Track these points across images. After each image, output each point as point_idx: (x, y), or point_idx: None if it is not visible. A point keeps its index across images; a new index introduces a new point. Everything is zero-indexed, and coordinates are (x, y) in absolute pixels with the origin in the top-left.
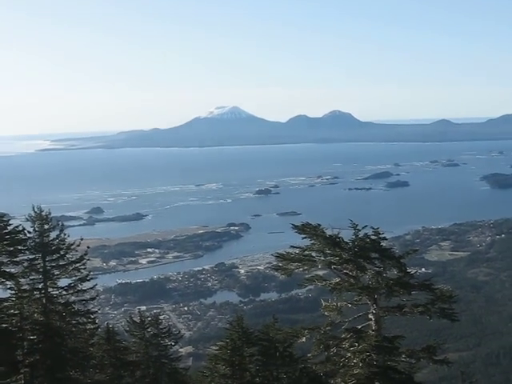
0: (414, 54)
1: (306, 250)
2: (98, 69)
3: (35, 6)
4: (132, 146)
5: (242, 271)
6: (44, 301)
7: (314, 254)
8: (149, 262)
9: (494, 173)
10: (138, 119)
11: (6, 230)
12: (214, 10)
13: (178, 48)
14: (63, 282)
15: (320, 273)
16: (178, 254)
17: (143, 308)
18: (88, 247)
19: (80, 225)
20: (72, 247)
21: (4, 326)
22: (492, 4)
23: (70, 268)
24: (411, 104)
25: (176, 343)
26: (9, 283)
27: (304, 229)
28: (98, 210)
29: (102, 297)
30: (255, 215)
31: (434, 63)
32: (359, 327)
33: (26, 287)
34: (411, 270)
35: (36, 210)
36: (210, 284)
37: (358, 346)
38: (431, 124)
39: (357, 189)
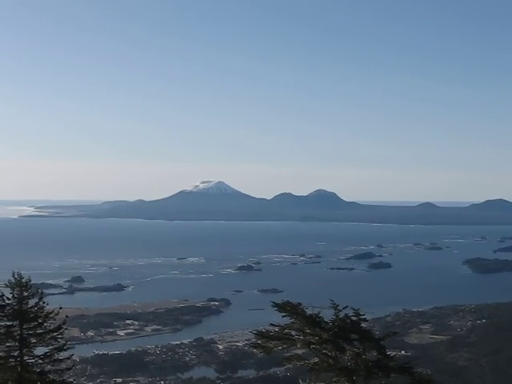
0: (396, 138)
1: (285, 328)
2: (84, 139)
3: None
4: (116, 217)
5: (221, 347)
6: (19, 369)
7: (293, 332)
8: (127, 334)
9: (477, 257)
10: (123, 190)
11: None
12: (201, 92)
13: (165, 124)
14: (39, 350)
15: (299, 352)
16: (157, 327)
17: (119, 380)
18: (67, 316)
19: (60, 293)
20: (50, 316)
21: None
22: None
23: (48, 337)
24: (396, 186)
25: None
26: None
27: (284, 307)
28: (79, 279)
29: (78, 367)
30: (236, 291)
31: (419, 148)
32: None
33: (1, 354)
34: (391, 353)
35: (16, 276)
36: (187, 359)
37: None
38: (415, 206)
39: (339, 268)
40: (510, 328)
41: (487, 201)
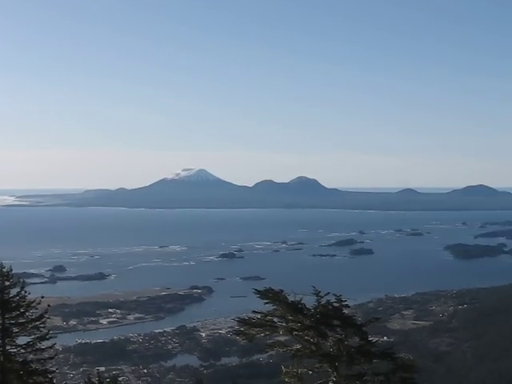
0: (376, 122)
1: (267, 315)
2: (65, 128)
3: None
4: (98, 205)
5: (204, 335)
6: (1, 358)
7: (275, 319)
8: (109, 323)
9: (458, 243)
10: (105, 178)
11: None
12: (184, 79)
13: (146, 111)
14: (22, 339)
15: (282, 339)
16: (140, 316)
17: (102, 369)
18: (48, 305)
19: (42, 282)
20: (32, 305)
21: None
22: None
23: (30, 326)
24: (377, 172)
25: None
26: None
27: (266, 294)
28: (61, 268)
29: (60, 356)
30: (218, 278)
31: (399, 133)
32: None
33: None
34: (373, 339)
35: None
36: (170, 347)
37: None
38: (396, 193)
39: (321, 255)
40: (491, 313)
41: (468, 186)
